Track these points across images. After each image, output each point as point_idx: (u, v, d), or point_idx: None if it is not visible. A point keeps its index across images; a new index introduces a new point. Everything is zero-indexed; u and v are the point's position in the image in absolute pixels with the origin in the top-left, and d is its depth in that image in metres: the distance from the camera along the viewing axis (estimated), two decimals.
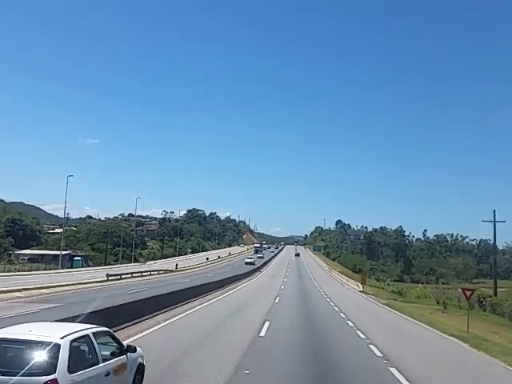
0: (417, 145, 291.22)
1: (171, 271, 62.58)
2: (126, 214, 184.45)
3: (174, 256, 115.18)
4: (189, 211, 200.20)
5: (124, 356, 7.10)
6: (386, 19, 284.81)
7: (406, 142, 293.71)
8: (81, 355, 6.10)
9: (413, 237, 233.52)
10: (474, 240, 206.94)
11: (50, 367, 5.44)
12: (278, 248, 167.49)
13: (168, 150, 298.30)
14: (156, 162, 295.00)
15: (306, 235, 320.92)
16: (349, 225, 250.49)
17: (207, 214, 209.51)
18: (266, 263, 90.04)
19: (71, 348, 5.78)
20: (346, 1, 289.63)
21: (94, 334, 6.48)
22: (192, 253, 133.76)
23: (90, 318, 9.87)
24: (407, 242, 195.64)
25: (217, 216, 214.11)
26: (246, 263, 76.46)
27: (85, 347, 6.27)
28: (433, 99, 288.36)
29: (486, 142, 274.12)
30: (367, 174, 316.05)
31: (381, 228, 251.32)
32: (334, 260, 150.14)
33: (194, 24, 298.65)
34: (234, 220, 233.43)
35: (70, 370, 5.59)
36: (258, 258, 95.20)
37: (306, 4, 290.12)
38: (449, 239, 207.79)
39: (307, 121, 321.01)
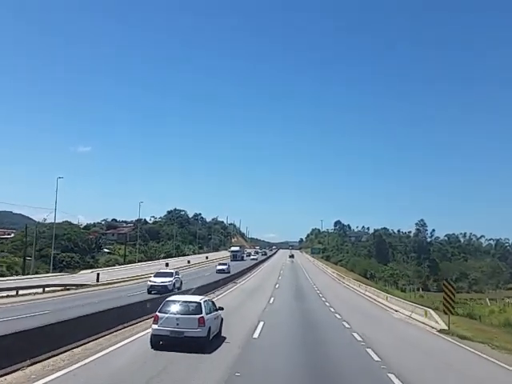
0: (416, 145, 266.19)
1: (86, 286, 37.23)
2: (110, 220, 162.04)
3: (142, 261, 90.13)
4: (169, 212, 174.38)
5: (218, 311, 14.96)
6: (387, 22, 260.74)
7: (404, 144, 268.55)
8: (207, 308, 13.59)
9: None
10: (490, 240, 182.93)
11: (199, 311, 12.99)
12: (265, 254, 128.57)
13: (162, 156, 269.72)
14: (149, 168, 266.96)
15: (301, 239, 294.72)
16: (348, 225, 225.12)
17: (191, 216, 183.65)
18: (251, 268, 65.04)
19: (204, 304, 13.47)
20: (349, 5, 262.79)
21: (208, 299, 14.94)
22: (165, 258, 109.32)
23: None
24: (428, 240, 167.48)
25: (202, 217, 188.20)
26: (151, 289, 30.83)
27: (207, 305, 13.81)
28: (437, 101, 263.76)
29: (485, 143, 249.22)
30: (365, 173, 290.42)
31: (383, 229, 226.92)
32: (335, 264, 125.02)
33: (194, 29, 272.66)
34: (222, 222, 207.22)
35: (206, 313, 13.14)
36: (219, 272, 52.11)
37: (309, 7, 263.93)
38: (461, 239, 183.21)
39: (301, 124, 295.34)
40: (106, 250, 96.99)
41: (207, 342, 12.80)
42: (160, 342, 12.50)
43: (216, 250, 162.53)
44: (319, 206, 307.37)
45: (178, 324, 12.47)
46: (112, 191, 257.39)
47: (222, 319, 15.23)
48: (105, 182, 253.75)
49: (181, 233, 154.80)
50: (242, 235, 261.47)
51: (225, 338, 14.48)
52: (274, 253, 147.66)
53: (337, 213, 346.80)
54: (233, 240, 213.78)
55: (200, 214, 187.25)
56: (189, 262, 71.27)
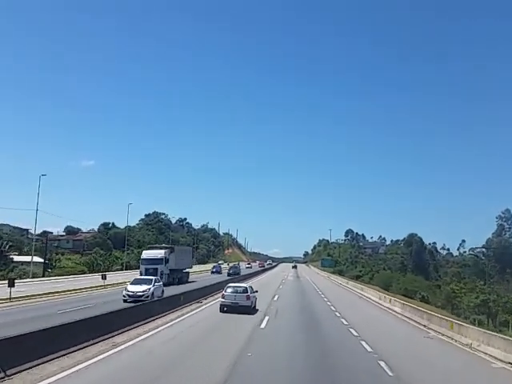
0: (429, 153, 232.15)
1: None
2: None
3: (80, 274, 57.33)
4: (147, 215, 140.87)
5: (255, 293, 24.33)
6: (389, 34, 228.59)
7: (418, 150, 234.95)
8: (251, 290, 23.49)
9: (448, 250, 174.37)
10: None
11: (247, 291, 22.68)
12: (236, 274, 59.09)
13: (167, 167, 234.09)
14: (152, 181, 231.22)
15: (306, 252, 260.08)
16: (363, 235, 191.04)
17: (174, 221, 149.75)
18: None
19: (249, 288, 23.56)
20: (352, 17, 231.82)
21: (250, 285, 24.89)
22: (120, 270, 77.33)
23: None
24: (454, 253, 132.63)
25: (188, 223, 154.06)
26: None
27: (250, 288, 23.56)
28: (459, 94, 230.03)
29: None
30: (376, 181, 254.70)
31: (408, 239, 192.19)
32: (354, 280, 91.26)
33: (196, 41, 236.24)
34: (213, 230, 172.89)
35: (251, 292, 23.06)
36: None
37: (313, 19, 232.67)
38: None
39: (300, 137, 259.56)
40: (16, 259, 63.47)
41: (251, 309, 22.40)
42: (224, 309, 22.06)
43: (201, 262, 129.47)
44: (324, 217, 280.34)
45: (235, 298, 22.05)
46: (114, 204, 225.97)
47: (257, 298, 24.39)
48: (108, 194, 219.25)
49: (157, 240, 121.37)
50: (240, 247, 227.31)
51: (258, 309, 23.40)
52: (268, 268, 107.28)
53: (345, 223, 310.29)
54: (226, 252, 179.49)
55: (185, 218, 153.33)
56: (104, 277, 37.62)
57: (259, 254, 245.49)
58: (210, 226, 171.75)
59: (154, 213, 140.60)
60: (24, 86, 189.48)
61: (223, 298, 22.20)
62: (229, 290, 22.56)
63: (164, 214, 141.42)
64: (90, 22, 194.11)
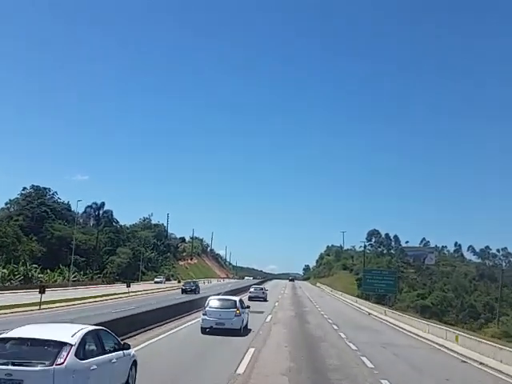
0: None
1: None
2: None
3: None
4: (24, 195, 75.33)
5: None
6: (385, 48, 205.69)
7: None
8: (265, 291, 42.26)
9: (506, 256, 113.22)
10: None
11: (263, 288, 43.00)
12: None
13: (165, 186, 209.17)
14: (149, 199, 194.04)
15: (306, 266, 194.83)
16: (395, 238, 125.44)
17: (86, 207, 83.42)
18: None
19: (264, 289, 42.30)
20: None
21: (263, 287, 44.26)
22: None
23: None
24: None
25: (107, 211, 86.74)
26: None
27: (265, 290, 43.73)
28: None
29: None
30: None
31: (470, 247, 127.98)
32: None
33: (195, 59, 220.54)
34: (162, 226, 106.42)
35: (265, 289, 42.83)
36: None
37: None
38: None
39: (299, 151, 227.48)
40: None
41: (265, 299, 37.57)
42: (252, 297, 36.69)
43: (127, 278, 65.73)
44: (327, 224, 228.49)
45: (257, 293, 38.28)
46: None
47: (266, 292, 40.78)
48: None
49: (17, 236, 55.42)
50: (216, 258, 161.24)
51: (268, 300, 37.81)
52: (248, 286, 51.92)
53: (357, 227, 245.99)
54: (184, 262, 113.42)
55: (103, 203, 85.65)
56: None
57: (254, 269, 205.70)
58: (157, 222, 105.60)
59: (32, 189, 74.95)
60: (21, 98, 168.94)
61: (251, 293, 38.49)
62: (253, 289, 39.80)
63: (49, 189, 75.75)
64: (92, 33, 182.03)
